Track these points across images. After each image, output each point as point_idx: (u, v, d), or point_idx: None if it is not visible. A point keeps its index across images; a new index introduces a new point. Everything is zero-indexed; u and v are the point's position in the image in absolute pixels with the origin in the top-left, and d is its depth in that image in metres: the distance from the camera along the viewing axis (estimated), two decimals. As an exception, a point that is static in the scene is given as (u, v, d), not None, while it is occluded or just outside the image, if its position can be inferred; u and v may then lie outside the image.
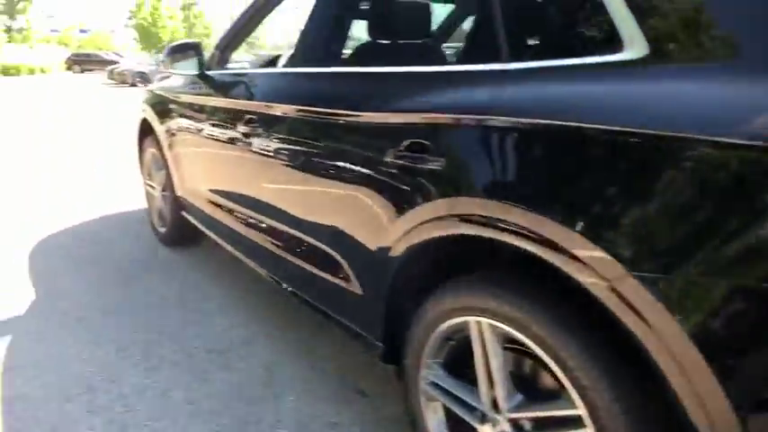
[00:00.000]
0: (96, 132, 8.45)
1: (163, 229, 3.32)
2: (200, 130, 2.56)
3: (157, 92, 3.19)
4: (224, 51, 2.58)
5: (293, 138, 1.87)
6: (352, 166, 1.56)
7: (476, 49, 1.52)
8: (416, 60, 1.55)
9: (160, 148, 3.08)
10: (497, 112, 1.13)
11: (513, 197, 1.09)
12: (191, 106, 2.71)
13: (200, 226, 2.82)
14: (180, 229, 3.14)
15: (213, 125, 2.44)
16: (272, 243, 2.12)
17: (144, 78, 21.84)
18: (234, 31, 2.56)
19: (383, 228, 1.44)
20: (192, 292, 2.73)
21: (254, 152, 2.06)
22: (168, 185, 3.07)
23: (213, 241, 2.72)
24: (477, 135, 1.19)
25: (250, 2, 2.41)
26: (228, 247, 2.54)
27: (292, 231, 1.96)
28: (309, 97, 1.84)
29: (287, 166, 1.89)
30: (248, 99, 2.21)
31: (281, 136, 1.93)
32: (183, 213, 2.99)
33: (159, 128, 3.04)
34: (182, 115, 2.79)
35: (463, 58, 1.75)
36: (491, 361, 1.25)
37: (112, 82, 24.65)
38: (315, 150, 1.75)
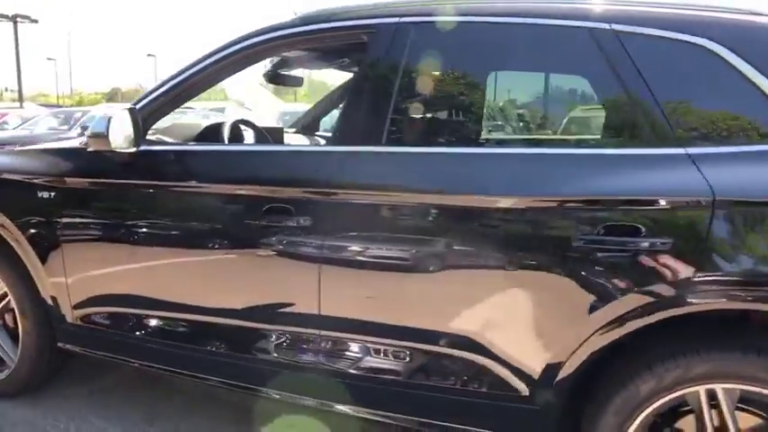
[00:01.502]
0: None
1: (5, 373, 2.47)
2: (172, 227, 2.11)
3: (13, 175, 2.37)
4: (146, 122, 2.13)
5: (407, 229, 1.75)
6: (527, 257, 1.59)
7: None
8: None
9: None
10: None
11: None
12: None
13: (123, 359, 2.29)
14: (45, 366, 2.47)
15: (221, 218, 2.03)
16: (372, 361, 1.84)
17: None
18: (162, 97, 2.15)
19: (575, 319, 1.54)
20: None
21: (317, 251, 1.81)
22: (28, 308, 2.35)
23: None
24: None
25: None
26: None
27: (410, 344, 1.78)
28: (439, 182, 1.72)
29: (392, 263, 1.75)
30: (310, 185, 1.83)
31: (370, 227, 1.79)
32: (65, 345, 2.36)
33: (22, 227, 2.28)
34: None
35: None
36: (729, 424, 1.42)
37: None
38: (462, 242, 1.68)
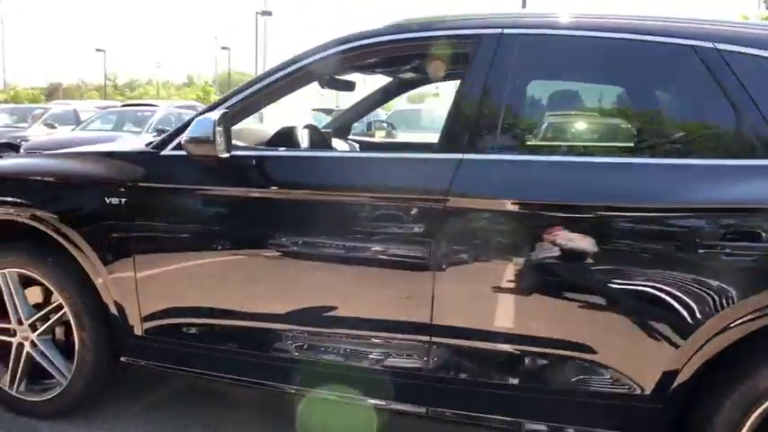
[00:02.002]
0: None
1: (56, 390, 2.31)
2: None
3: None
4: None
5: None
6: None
7: None
8: None
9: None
10: None
11: None
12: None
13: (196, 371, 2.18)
14: (102, 382, 2.33)
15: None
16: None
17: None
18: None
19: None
20: None
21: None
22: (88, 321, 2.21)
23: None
24: None
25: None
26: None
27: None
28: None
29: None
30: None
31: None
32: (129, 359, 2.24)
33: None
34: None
35: None
36: None
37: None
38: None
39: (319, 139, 2.62)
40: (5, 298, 2.35)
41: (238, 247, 2.06)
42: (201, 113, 2.10)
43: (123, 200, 2.13)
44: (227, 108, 2.04)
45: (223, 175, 2.03)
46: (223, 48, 43.74)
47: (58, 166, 2.34)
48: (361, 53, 2.09)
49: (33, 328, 2.34)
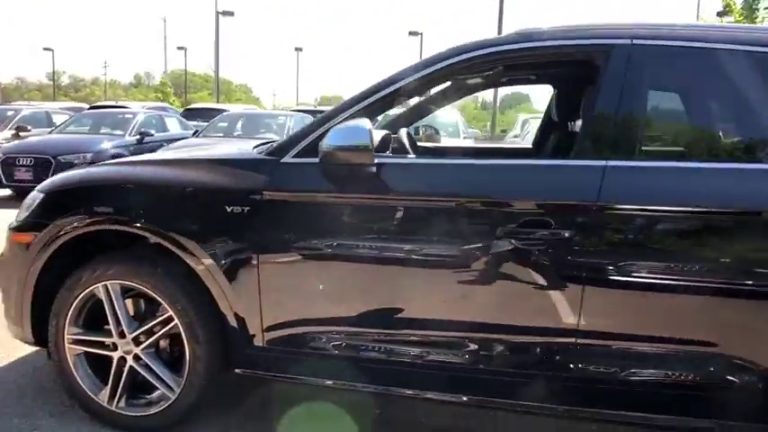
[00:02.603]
0: None
1: (164, 405, 2.26)
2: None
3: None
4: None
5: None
6: None
7: None
8: None
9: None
10: None
11: None
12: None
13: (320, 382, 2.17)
14: (211, 395, 2.31)
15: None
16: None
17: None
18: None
19: None
20: None
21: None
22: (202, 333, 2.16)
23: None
24: None
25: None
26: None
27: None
28: None
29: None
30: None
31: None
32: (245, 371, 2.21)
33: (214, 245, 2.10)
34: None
35: None
36: None
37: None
38: None
39: (415, 144, 2.64)
40: (107, 311, 2.27)
41: (380, 256, 2.04)
42: (326, 120, 2.10)
43: (246, 208, 2.09)
44: (363, 112, 2.05)
45: (370, 182, 2.03)
46: (179, 48, 42.52)
47: (169, 175, 2.26)
48: (491, 60, 2.13)
49: (137, 341, 2.26)
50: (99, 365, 2.33)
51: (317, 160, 2.03)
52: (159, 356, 2.31)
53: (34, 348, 2.62)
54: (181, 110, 17.74)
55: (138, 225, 2.18)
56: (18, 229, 2.39)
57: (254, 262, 2.10)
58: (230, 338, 2.19)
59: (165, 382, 2.26)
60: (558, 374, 1.97)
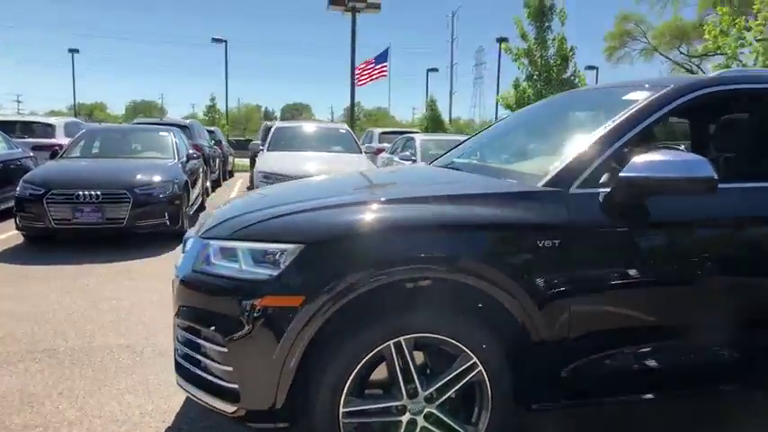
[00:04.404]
0: None
1: None
2: None
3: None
4: None
5: None
6: None
7: None
8: None
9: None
10: None
11: None
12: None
13: None
14: None
15: None
16: None
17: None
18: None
19: None
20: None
21: None
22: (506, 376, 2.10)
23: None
24: None
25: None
26: None
27: None
28: None
29: None
30: None
31: None
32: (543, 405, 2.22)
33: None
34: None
35: None
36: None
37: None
38: None
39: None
40: (396, 370, 1.99)
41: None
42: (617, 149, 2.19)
43: (557, 242, 2.06)
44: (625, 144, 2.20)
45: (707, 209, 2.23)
46: None
47: (479, 213, 2.11)
48: (713, 98, 2.43)
49: (429, 398, 2.03)
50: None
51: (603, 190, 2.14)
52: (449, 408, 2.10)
53: None
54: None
55: (455, 269, 2.00)
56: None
57: (566, 295, 2.08)
58: (536, 372, 2.13)
59: (464, 435, 2.08)
60: None
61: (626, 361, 2.24)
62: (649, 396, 2.31)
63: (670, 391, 2.37)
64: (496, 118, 29.38)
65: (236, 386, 1.97)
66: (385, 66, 22.06)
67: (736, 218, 2.32)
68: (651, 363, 2.28)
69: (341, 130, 9.59)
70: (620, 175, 2.09)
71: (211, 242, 2.15)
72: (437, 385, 2.03)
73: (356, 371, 1.95)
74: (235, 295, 1.96)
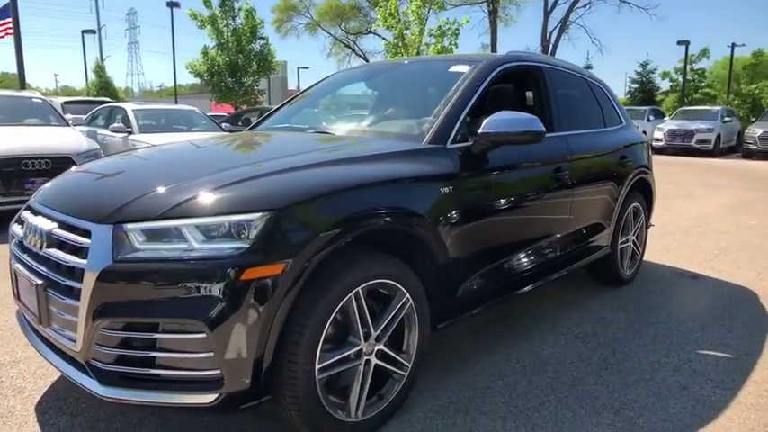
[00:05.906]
0: None
1: (395, 391, 2.39)
2: None
3: None
4: None
5: None
6: None
7: None
8: None
9: None
10: None
11: None
12: None
13: None
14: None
15: None
16: None
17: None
18: None
19: None
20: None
21: None
22: None
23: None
24: None
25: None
26: None
27: None
28: None
29: None
30: None
31: None
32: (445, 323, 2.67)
33: None
34: None
35: None
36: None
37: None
38: None
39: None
40: (356, 317, 2.15)
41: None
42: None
43: (451, 187, 2.51)
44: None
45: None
46: None
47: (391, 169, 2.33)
48: (510, 70, 3.21)
49: (378, 338, 2.27)
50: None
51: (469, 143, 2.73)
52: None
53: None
54: None
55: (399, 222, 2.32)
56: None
57: (460, 228, 2.56)
58: (439, 302, 2.55)
59: (404, 365, 2.38)
60: None
61: (501, 268, 2.93)
62: (525, 290, 3.10)
63: (534, 285, 3.17)
64: (176, 84, 27.85)
65: (217, 371, 1.84)
66: (8, 22, 17.91)
67: (549, 157, 3.23)
68: (517, 266, 3.06)
69: (34, 99, 7.93)
70: (479, 131, 2.65)
71: (131, 225, 1.88)
72: (384, 324, 2.27)
73: (327, 326, 2.04)
74: (201, 275, 1.80)
